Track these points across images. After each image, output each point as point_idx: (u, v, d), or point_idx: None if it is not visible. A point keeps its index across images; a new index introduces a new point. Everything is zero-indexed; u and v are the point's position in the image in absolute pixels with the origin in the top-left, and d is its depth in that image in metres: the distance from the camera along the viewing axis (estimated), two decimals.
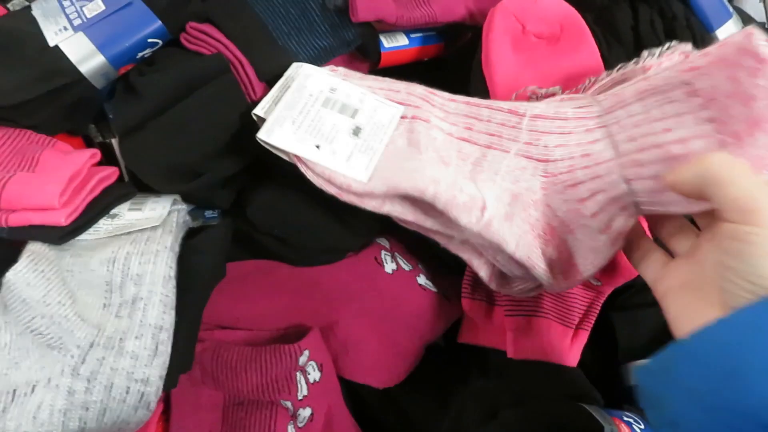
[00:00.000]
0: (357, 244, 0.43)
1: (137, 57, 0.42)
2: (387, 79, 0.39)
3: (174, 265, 0.36)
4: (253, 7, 0.45)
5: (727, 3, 0.60)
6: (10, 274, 0.30)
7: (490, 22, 0.47)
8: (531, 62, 0.49)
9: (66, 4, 0.42)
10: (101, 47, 0.40)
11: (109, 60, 0.40)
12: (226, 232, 0.39)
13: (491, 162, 0.37)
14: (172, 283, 0.35)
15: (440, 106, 0.38)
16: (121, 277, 0.34)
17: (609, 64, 0.51)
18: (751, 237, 0.25)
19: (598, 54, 0.50)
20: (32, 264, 0.31)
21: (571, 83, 0.49)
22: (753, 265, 0.25)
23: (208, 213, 0.45)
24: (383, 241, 0.44)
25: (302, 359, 0.39)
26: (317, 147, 0.34)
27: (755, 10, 0.65)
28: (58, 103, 0.40)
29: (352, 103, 0.36)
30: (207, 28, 0.43)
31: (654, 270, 0.32)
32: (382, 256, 0.43)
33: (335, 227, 0.40)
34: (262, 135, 0.35)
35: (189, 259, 0.37)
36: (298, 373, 0.39)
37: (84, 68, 0.40)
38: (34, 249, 0.33)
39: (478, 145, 0.37)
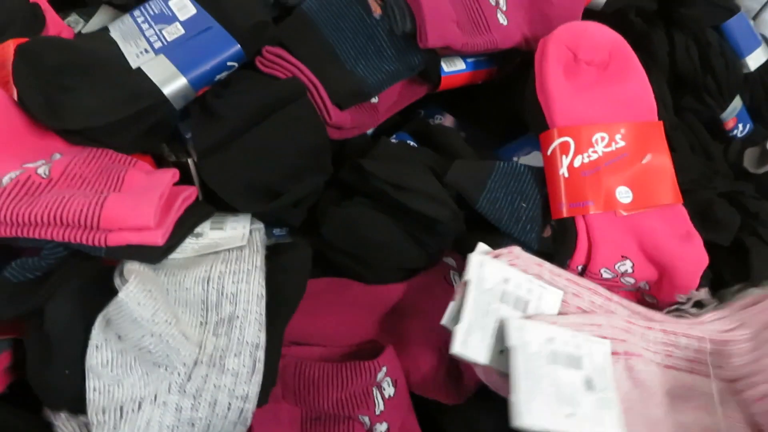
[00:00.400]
0: (430, 263, 0.44)
1: (215, 79, 0.43)
2: (584, 315, 0.38)
3: (264, 283, 0.37)
4: (322, 32, 0.46)
5: (756, 31, 0.63)
6: (123, 295, 0.31)
7: (544, 51, 0.49)
8: (584, 89, 0.50)
9: (145, 27, 0.43)
10: (183, 69, 0.41)
11: (190, 82, 0.41)
12: (309, 250, 0.40)
13: (699, 389, 0.37)
14: (264, 301, 0.36)
15: (640, 336, 0.38)
16: (217, 295, 0.35)
17: None
18: None
19: (646, 78, 0.52)
20: (140, 284, 0.32)
21: (623, 108, 0.51)
22: None
23: (277, 231, 0.46)
24: (450, 261, 0.45)
25: (380, 375, 0.40)
26: (569, 416, 0.33)
27: None
28: (140, 124, 0.41)
29: (575, 352, 0.35)
30: (281, 51, 0.44)
31: None
32: (451, 276, 0.44)
33: (409, 246, 0.42)
34: (520, 423, 0.33)
35: (275, 278, 0.38)
36: (374, 389, 0.40)
37: (167, 90, 0.41)
38: (135, 269, 0.33)
39: (683, 371, 0.38)
